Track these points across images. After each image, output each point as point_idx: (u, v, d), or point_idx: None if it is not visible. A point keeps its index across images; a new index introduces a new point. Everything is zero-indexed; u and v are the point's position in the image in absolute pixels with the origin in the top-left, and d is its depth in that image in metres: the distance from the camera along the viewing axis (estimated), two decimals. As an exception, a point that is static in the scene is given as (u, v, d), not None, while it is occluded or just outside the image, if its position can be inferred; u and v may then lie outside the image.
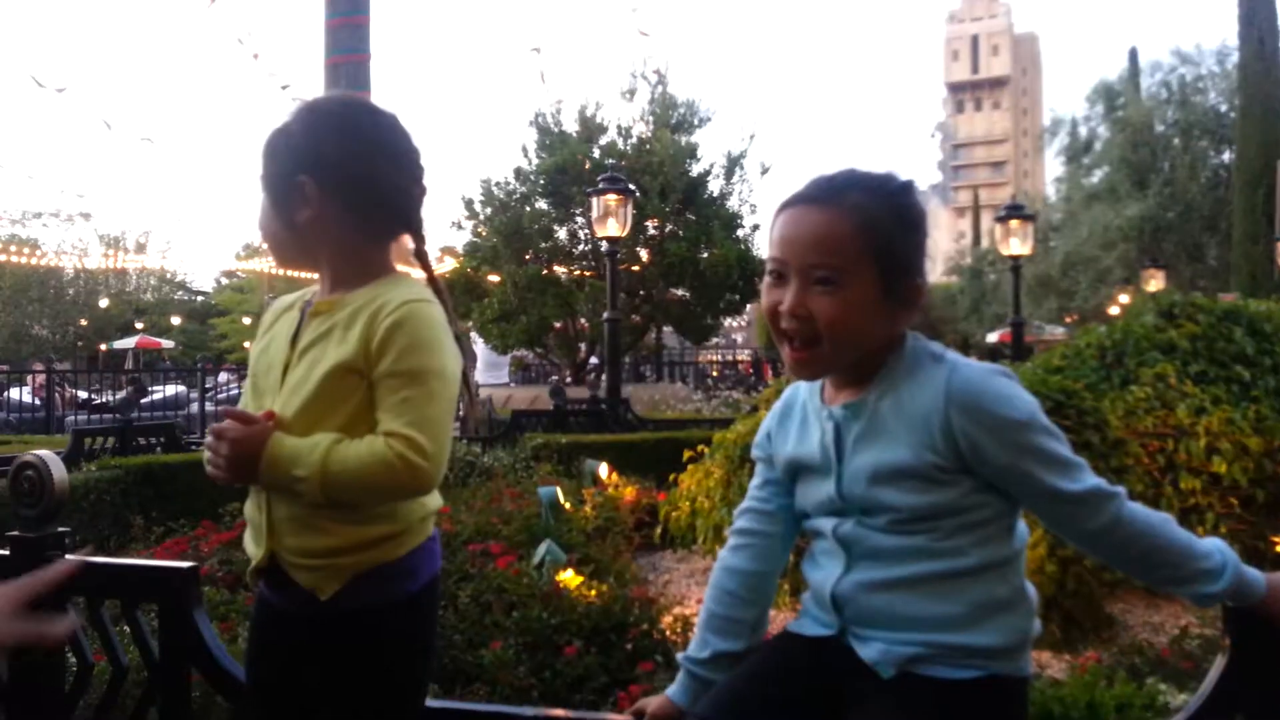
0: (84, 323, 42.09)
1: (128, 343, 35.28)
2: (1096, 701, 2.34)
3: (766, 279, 1.35)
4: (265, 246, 1.54)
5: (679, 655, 1.48)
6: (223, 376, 19.90)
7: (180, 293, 51.31)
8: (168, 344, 38.26)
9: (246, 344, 40.92)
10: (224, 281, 50.69)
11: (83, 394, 17.04)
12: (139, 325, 41.42)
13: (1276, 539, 3.72)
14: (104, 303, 42.68)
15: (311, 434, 1.36)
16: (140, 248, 45.92)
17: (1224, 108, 27.92)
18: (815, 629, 1.38)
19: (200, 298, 51.96)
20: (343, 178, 1.42)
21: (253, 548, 1.46)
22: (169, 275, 48.99)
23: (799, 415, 1.43)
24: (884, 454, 1.29)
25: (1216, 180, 27.45)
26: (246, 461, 1.34)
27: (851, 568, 1.33)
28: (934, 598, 1.27)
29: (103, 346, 37.58)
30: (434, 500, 1.49)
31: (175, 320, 44.85)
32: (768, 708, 1.32)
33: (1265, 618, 1.32)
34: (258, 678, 1.52)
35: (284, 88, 7.27)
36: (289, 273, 32.77)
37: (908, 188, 1.33)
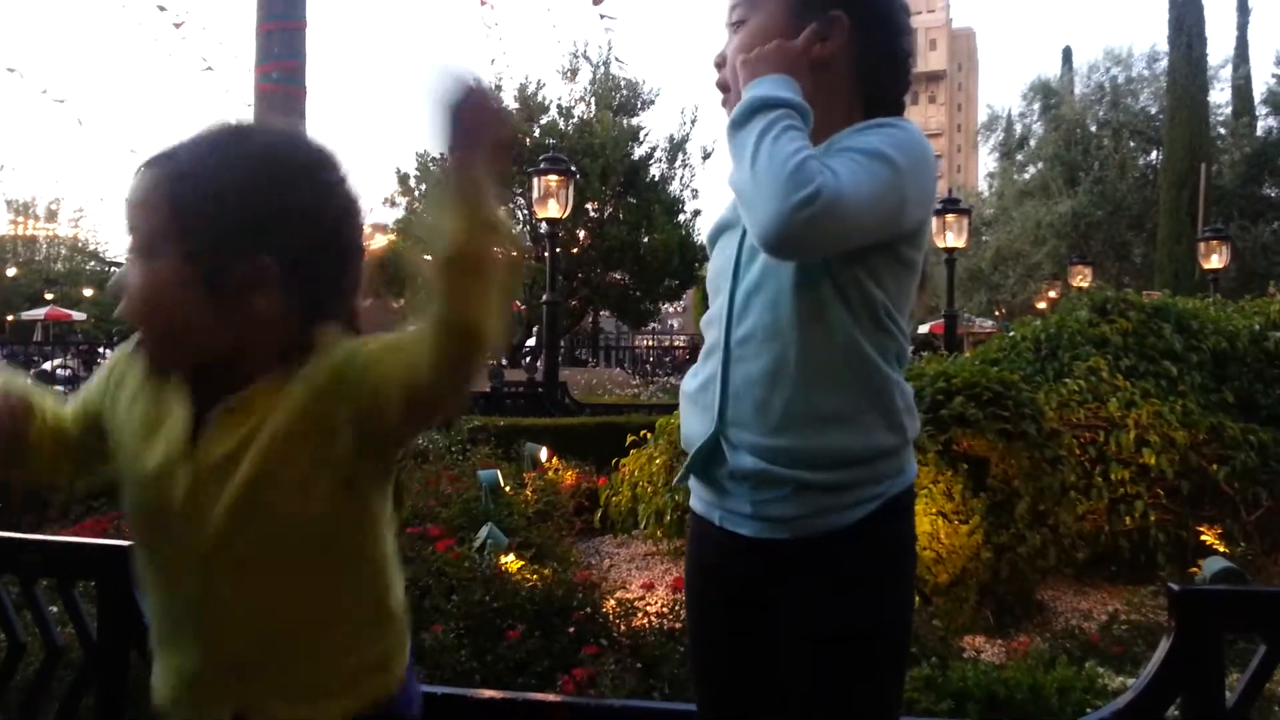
0: (-10, 291, 40.37)
1: (37, 313, 33.92)
2: (1039, 684, 2.39)
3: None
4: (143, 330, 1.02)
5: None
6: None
7: (93, 263, 49.34)
8: (79, 316, 36.88)
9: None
10: (139, 253, 48.69)
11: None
12: (49, 296, 39.84)
13: (1201, 528, 3.85)
14: (11, 271, 40.91)
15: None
16: (51, 215, 44.12)
17: (1154, 109, 28.79)
18: (698, 489, 1.32)
19: (114, 269, 49.77)
20: (310, 250, 1.01)
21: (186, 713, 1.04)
22: (81, 244, 47.10)
23: None
24: None
25: (1144, 180, 28.31)
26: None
27: (731, 359, 1.25)
28: (814, 387, 1.17)
29: (10, 317, 36.10)
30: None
31: (87, 291, 43.14)
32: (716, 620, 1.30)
33: None
34: None
35: (194, 48, 7.01)
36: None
37: None
